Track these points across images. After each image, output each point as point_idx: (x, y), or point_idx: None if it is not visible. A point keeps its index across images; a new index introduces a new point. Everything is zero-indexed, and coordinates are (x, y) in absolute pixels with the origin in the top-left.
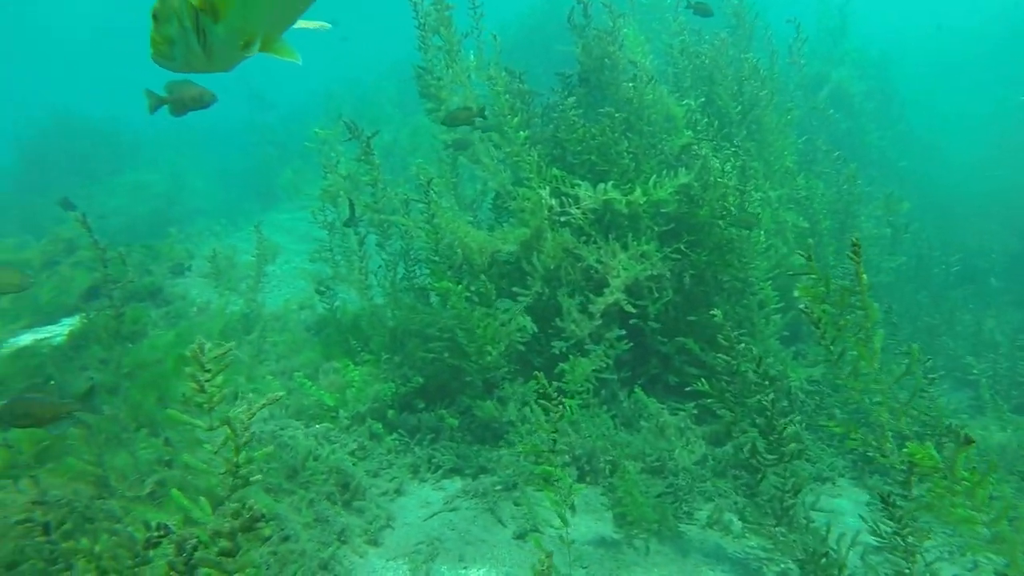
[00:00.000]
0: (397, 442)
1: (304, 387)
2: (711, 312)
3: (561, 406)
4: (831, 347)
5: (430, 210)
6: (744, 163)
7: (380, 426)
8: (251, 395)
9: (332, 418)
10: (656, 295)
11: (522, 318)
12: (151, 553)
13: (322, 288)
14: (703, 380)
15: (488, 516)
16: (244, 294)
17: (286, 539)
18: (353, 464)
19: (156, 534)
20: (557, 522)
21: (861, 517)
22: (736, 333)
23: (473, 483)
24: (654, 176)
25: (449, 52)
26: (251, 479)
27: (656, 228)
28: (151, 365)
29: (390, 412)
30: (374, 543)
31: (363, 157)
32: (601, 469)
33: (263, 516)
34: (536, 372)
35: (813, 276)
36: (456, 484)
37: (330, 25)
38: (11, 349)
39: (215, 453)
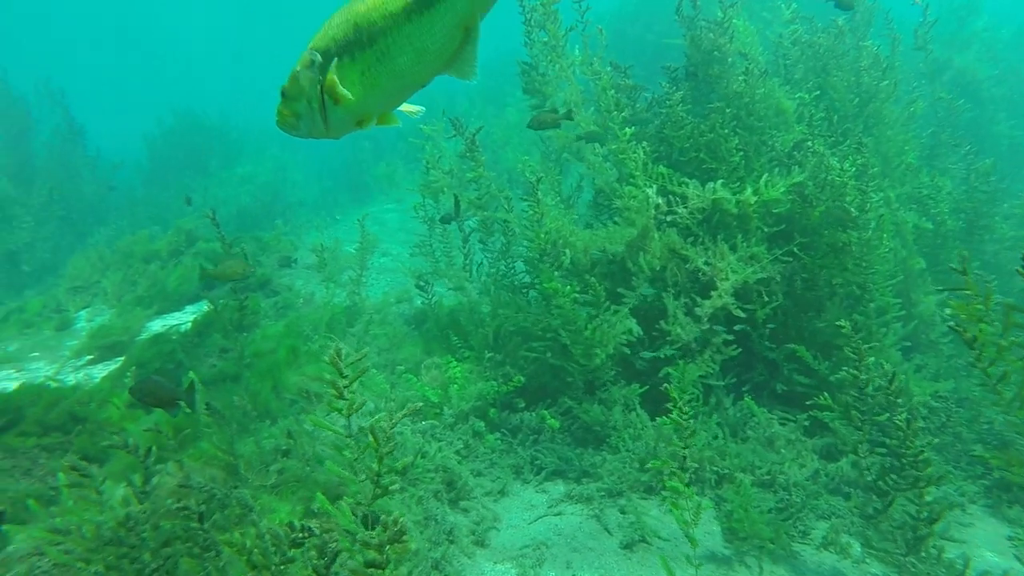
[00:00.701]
0: (499, 442)
1: (410, 382)
2: (839, 323)
3: (692, 421)
4: (989, 369)
5: (539, 209)
6: (866, 160)
7: (483, 425)
8: (358, 389)
9: (436, 415)
10: (765, 299)
11: (628, 321)
12: (294, 552)
13: (421, 283)
14: (826, 395)
15: (594, 523)
16: (346, 286)
17: (374, 525)
18: (458, 463)
19: (300, 534)
20: (665, 532)
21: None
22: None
23: (577, 488)
24: (765, 175)
25: (554, 48)
26: (391, 488)
27: (766, 229)
28: (266, 355)
29: (491, 411)
30: (481, 544)
31: (467, 154)
32: (707, 479)
33: (407, 529)
34: (665, 384)
35: (966, 291)
36: (559, 487)
37: (423, 109)
38: (149, 335)
39: (355, 460)
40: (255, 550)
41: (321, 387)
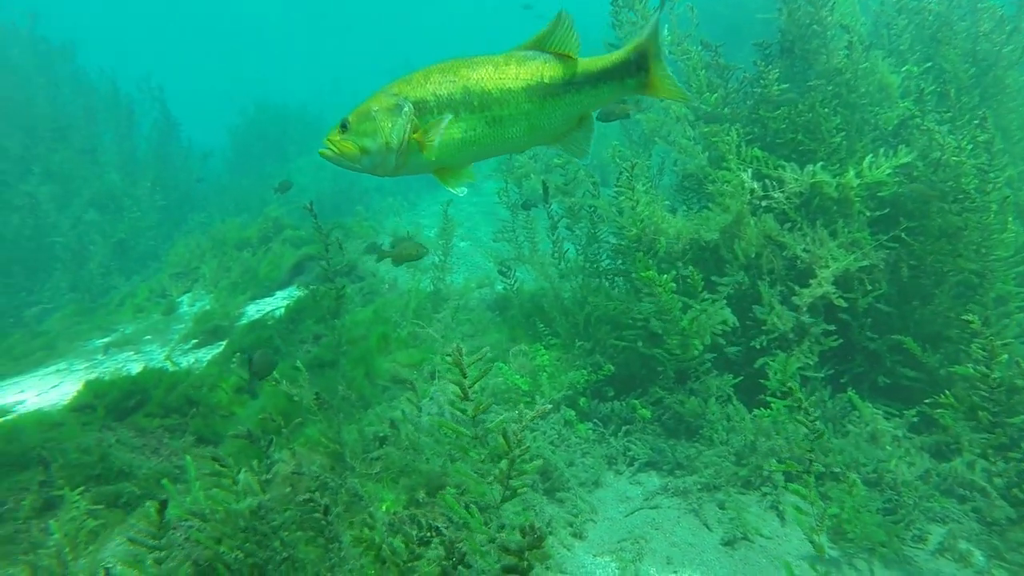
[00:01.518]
0: (591, 431)
1: (501, 370)
2: (966, 318)
3: (817, 422)
4: None
5: (633, 196)
6: (990, 136)
7: (573, 414)
8: (447, 375)
9: (527, 403)
10: (868, 287)
11: (724, 311)
12: (421, 550)
13: (504, 268)
14: (947, 393)
15: (692, 518)
16: (428, 271)
17: (501, 527)
18: (552, 452)
19: (427, 533)
20: (767, 530)
21: None
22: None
23: (673, 481)
24: (869, 156)
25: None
26: (520, 491)
27: (868, 213)
28: (357, 341)
29: (582, 400)
30: (579, 536)
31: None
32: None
33: (544, 534)
34: (789, 385)
35: None
36: (653, 479)
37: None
38: (247, 320)
39: (483, 462)
40: (383, 546)
41: (412, 374)
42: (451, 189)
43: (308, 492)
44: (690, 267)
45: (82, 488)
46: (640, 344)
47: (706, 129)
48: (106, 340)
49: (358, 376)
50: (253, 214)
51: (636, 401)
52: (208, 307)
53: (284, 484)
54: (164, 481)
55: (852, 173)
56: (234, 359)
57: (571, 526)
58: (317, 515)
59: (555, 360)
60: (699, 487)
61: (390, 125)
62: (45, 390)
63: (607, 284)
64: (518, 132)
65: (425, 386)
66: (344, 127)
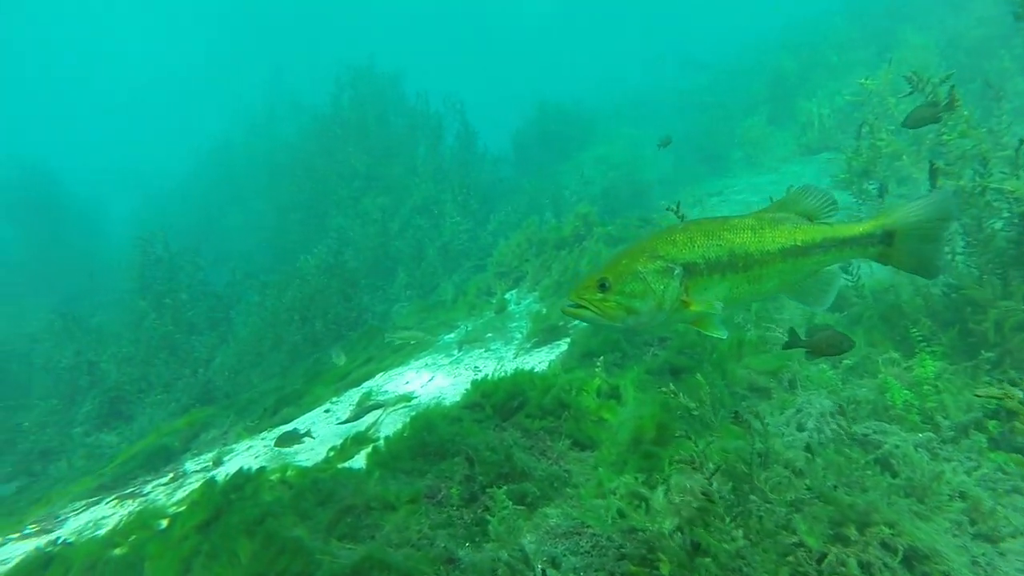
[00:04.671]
0: (1011, 462)
1: (888, 384)
2: None
3: None
4: None
5: None
6: None
7: (983, 440)
8: (805, 380)
9: (917, 423)
10: None
11: None
12: None
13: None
14: None
15: None
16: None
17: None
18: (974, 487)
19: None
20: None
21: None
22: None
23: None
24: None
25: None
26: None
27: None
28: (702, 344)
29: (991, 423)
30: None
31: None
32: None
33: None
34: None
35: None
36: None
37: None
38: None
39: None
40: None
41: (769, 382)
42: (710, 333)
43: (718, 516)
44: None
45: (495, 486)
46: None
47: None
48: (452, 336)
49: (716, 383)
50: (541, 211)
51: None
52: (533, 305)
53: (689, 502)
54: (569, 488)
55: None
56: (572, 360)
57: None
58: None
59: (939, 371)
60: None
61: (662, 287)
62: (424, 382)
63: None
64: (771, 286)
65: (787, 396)
66: (604, 286)
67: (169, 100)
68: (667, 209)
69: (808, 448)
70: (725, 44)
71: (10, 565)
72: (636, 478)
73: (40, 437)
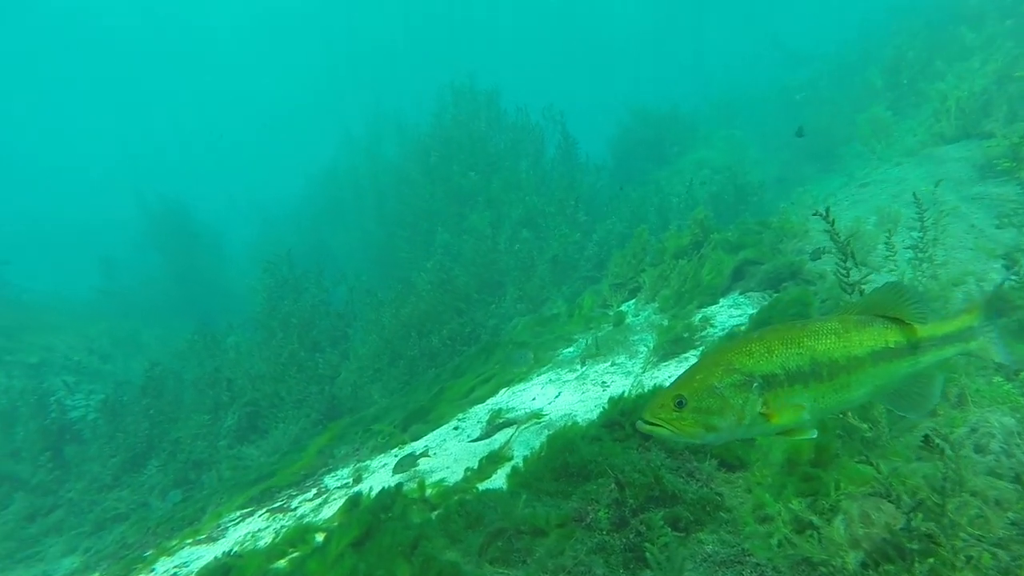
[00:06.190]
0: None
1: None
2: None
3: None
4: None
5: None
6: None
7: None
8: (975, 395)
9: None
10: None
11: None
12: None
13: (1008, 262)
14: None
15: None
16: (879, 269)
17: None
18: None
19: None
20: None
21: None
22: None
23: None
24: None
25: None
26: None
27: None
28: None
29: None
30: None
31: None
32: None
33: None
34: None
35: None
36: None
37: None
38: (720, 332)
39: None
40: None
41: None
42: (798, 438)
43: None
44: None
45: (645, 510)
46: None
47: None
48: (571, 350)
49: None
50: (637, 219)
51: None
52: (652, 317)
53: (874, 535)
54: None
55: None
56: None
57: None
58: None
59: None
60: None
61: (741, 402)
62: (551, 398)
63: None
64: (862, 394)
65: (955, 414)
66: (680, 404)
67: (283, 132)
68: (814, 214)
69: (1017, 478)
70: (826, 33)
71: (192, 570)
72: (799, 503)
73: (193, 448)
